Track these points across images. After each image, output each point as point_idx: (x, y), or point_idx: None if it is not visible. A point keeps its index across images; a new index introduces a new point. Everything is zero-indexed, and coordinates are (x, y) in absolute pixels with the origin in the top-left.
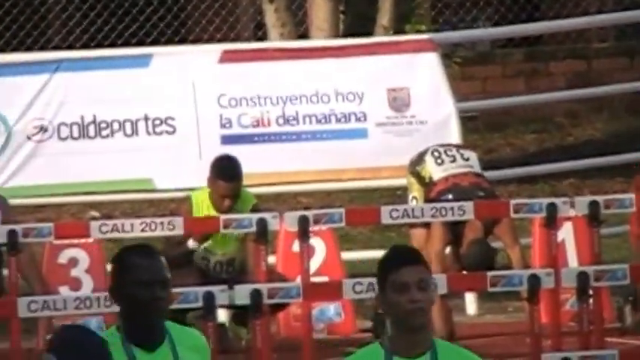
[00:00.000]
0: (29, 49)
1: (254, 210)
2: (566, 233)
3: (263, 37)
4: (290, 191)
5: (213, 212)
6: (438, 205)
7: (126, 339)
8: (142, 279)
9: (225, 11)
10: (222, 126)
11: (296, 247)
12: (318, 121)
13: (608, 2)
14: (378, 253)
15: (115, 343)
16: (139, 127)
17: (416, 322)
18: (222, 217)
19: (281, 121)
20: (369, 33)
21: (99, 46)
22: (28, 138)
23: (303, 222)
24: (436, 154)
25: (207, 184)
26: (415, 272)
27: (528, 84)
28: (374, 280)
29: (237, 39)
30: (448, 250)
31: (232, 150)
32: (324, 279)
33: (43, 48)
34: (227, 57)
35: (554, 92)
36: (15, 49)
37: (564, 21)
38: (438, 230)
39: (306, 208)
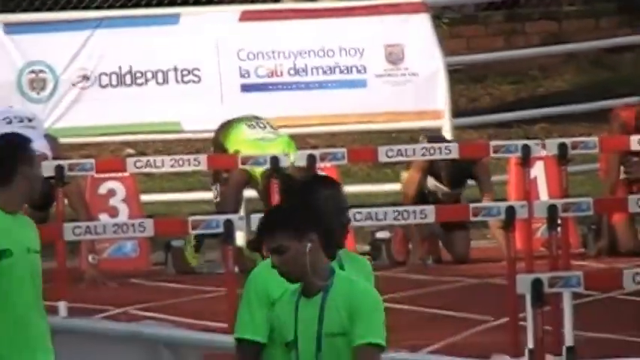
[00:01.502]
0: (75, 8)
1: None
2: (538, 171)
3: None
4: (299, 133)
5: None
6: (428, 145)
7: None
8: (339, 207)
9: None
10: (242, 76)
11: None
12: (324, 73)
13: None
14: (375, 187)
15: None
16: (169, 77)
17: (288, 280)
18: (241, 154)
19: (292, 72)
20: None
21: (135, 5)
22: (73, 85)
23: (311, 160)
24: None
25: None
26: (270, 241)
27: (507, 42)
28: (371, 209)
29: (255, 1)
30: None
31: (250, 97)
32: None
33: (86, 7)
34: (246, 16)
35: (529, 49)
36: (62, 8)
37: None
38: (414, 176)
39: (314, 148)
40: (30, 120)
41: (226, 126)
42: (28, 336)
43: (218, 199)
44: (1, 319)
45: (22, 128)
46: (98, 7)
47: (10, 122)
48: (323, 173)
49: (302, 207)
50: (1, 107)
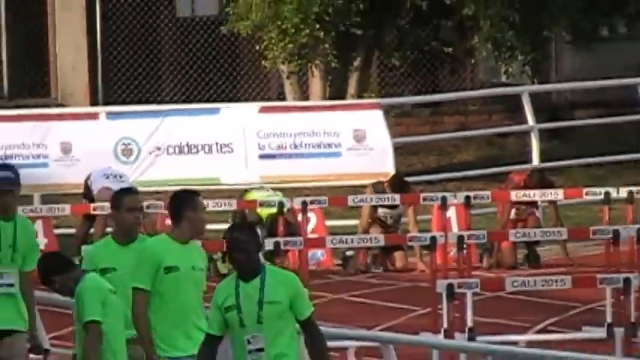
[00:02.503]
0: (152, 102)
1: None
2: (451, 213)
3: (283, 99)
4: (297, 187)
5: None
6: (381, 195)
7: (237, 276)
8: (235, 249)
9: (262, 84)
10: (260, 149)
11: (300, 217)
12: (313, 147)
13: (477, 84)
14: (346, 222)
15: (232, 278)
16: (213, 149)
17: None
18: (259, 200)
19: (293, 146)
20: (343, 97)
21: (190, 101)
22: (150, 153)
23: (304, 203)
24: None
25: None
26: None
27: (432, 129)
28: (342, 236)
29: (269, 99)
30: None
31: (265, 163)
32: (315, 236)
33: (159, 102)
34: (263, 110)
35: (446, 134)
36: (144, 102)
37: (452, 94)
38: (365, 210)
39: (306, 196)
40: (121, 176)
41: (244, 192)
42: (189, 324)
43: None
44: (173, 311)
45: (116, 182)
46: (167, 102)
47: (107, 177)
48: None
49: (44, 265)
50: (103, 166)
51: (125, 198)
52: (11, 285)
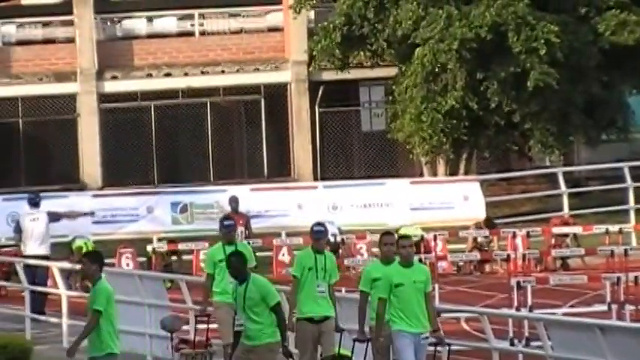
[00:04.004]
0: (347, 178)
1: None
2: (519, 240)
3: (422, 176)
4: (430, 226)
5: None
6: (479, 230)
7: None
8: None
9: (410, 168)
10: (410, 204)
11: (432, 243)
12: (440, 203)
13: (532, 166)
14: (457, 246)
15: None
16: (383, 205)
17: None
18: (408, 232)
19: (428, 202)
20: (456, 174)
21: (374, 176)
22: (350, 206)
23: (435, 236)
24: None
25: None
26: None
27: (507, 193)
28: (458, 254)
29: (413, 176)
30: None
31: (412, 213)
32: (441, 253)
33: (350, 177)
34: (412, 182)
35: (514, 195)
36: (343, 178)
37: (518, 172)
38: (470, 239)
39: (436, 230)
40: (331, 222)
41: (399, 228)
42: (416, 318)
43: None
44: (400, 309)
45: (329, 225)
46: (357, 178)
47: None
48: None
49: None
50: (321, 217)
51: (384, 237)
52: (323, 292)
